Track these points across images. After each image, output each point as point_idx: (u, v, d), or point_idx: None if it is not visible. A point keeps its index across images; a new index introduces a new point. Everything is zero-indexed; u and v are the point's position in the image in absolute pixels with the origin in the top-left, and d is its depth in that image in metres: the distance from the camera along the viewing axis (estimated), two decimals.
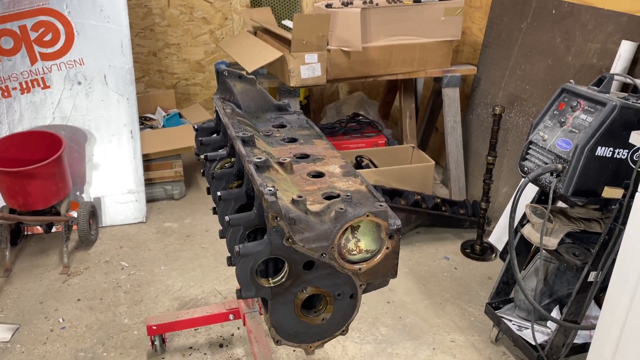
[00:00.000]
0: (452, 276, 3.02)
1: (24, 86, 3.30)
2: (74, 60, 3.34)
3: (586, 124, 1.99)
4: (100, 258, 3.15)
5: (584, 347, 2.31)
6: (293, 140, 1.70)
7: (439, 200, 3.36)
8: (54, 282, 2.92)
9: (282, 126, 1.82)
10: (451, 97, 3.69)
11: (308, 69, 3.18)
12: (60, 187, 3.03)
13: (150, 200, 3.72)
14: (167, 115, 3.97)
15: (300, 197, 1.23)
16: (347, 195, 1.29)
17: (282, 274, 1.24)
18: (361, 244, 1.27)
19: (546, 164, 2.09)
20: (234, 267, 1.21)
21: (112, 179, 3.49)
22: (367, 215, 1.22)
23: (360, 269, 1.27)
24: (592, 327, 2.14)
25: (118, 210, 3.51)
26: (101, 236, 3.38)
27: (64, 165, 3.05)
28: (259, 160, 1.36)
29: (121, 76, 3.41)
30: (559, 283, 2.40)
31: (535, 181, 2.11)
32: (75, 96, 3.37)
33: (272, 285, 1.23)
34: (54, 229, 3.25)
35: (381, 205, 1.25)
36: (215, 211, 1.61)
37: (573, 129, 2.03)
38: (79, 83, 3.37)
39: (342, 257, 1.26)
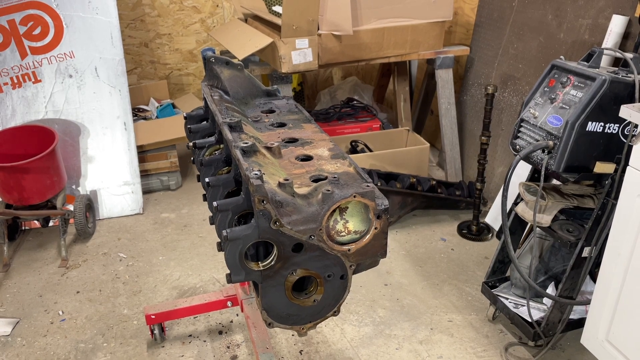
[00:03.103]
0: (449, 257, 3.03)
1: (15, 81, 3.29)
2: (64, 54, 3.33)
3: (576, 99, 1.98)
4: (98, 250, 3.16)
5: (580, 323, 2.32)
6: (282, 125, 1.70)
7: (434, 182, 3.36)
8: (52, 276, 2.94)
9: (271, 111, 1.82)
10: (444, 79, 3.67)
11: (299, 54, 3.16)
12: (55, 180, 3.04)
13: (146, 191, 3.73)
14: (161, 105, 3.96)
15: (287, 180, 1.23)
16: (335, 177, 1.29)
17: (271, 257, 1.24)
18: (349, 225, 1.27)
19: (537, 141, 2.09)
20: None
21: (108, 171, 3.49)
22: (354, 196, 1.23)
23: (349, 250, 1.28)
24: (587, 302, 2.15)
25: (114, 202, 3.51)
26: (98, 229, 3.39)
27: (58, 158, 3.05)
28: (245, 145, 1.36)
29: (112, 68, 3.40)
30: (554, 260, 2.41)
31: (527, 159, 2.11)
32: (67, 89, 3.36)
33: (262, 268, 1.23)
34: (51, 223, 3.26)
35: (368, 186, 1.25)
36: (205, 198, 1.61)
37: (563, 105, 2.02)
38: (70, 76, 3.35)
39: (330, 239, 1.26)
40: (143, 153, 3.66)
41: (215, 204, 1.29)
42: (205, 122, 1.83)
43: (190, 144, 1.65)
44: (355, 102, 4.19)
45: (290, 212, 1.21)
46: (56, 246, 3.19)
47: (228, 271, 1.21)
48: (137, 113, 3.90)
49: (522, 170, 3.06)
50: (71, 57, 3.34)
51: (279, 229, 1.19)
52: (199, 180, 1.72)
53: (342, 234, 1.27)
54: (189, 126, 1.76)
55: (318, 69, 3.31)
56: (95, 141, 3.45)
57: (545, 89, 2.14)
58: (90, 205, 3.32)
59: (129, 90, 3.46)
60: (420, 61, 4.43)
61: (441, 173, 3.97)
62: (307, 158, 1.47)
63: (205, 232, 3.31)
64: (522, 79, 3.31)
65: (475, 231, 3.22)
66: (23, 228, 3.32)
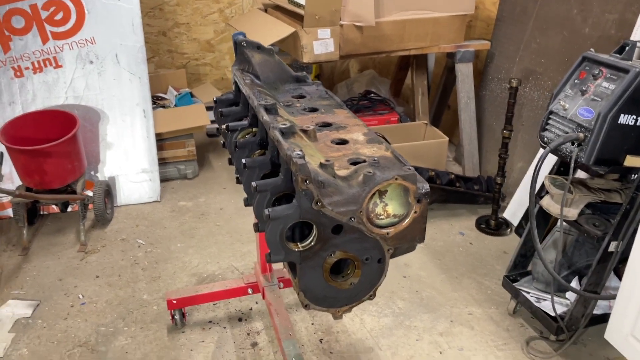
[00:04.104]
0: (468, 251, 3.02)
1: (36, 66, 3.29)
2: (86, 39, 3.33)
3: (608, 91, 1.96)
4: (116, 236, 3.17)
5: (604, 318, 2.30)
6: (314, 109, 1.69)
7: (453, 176, 3.35)
8: (72, 260, 2.95)
9: (302, 97, 1.81)
10: (464, 73, 3.65)
11: (321, 44, 3.15)
12: (76, 165, 3.04)
13: (163, 179, 3.73)
14: (179, 94, 3.96)
15: (328, 161, 1.22)
16: (375, 160, 1.28)
17: (311, 237, 1.24)
18: (389, 208, 1.27)
19: (567, 133, 2.07)
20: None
21: (126, 158, 3.49)
22: (396, 179, 1.22)
23: (388, 234, 1.27)
24: (612, 297, 2.13)
25: (132, 189, 3.52)
26: (116, 215, 3.40)
27: (79, 143, 3.06)
28: (284, 126, 1.35)
29: (133, 55, 3.40)
30: (578, 254, 2.40)
31: (555, 151, 2.10)
32: (87, 75, 3.37)
33: (301, 249, 1.23)
34: (69, 209, 3.27)
35: (409, 169, 1.24)
36: (238, 180, 1.61)
37: (595, 97, 2.00)
38: (91, 62, 3.36)
39: (370, 222, 1.26)
40: (161, 141, 3.66)
41: (254, 184, 1.28)
42: (236, 106, 1.82)
43: (223, 126, 1.65)
44: (372, 95, 4.18)
45: (331, 192, 1.20)
46: (74, 231, 3.20)
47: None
48: (156, 101, 3.91)
49: (545, 163, 3.04)
50: (92, 43, 3.34)
51: (320, 210, 1.19)
52: (230, 164, 1.71)
53: (381, 217, 1.27)
54: (220, 109, 1.76)
55: (336, 61, 3.30)
56: (115, 128, 3.45)
57: (576, 81, 2.12)
58: (109, 191, 3.33)
59: (148, 77, 3.46)
60: (438, 55, 4.41)
61: (458, 168, 3.95)
62: (343, 142, 1.46)
63: (223, 221, 3.31)
64: (544, 74, 3.28)
65: (493, 226, 3.20)
66: (42, 212, 3.33)
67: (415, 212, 1.27)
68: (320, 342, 2.37)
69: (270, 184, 1.30)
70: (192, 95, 4.07)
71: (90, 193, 3.23)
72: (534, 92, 3.34)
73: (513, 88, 2.89)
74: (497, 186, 3.13)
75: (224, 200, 3.57)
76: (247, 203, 1.48)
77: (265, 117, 1.44)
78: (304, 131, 1.44)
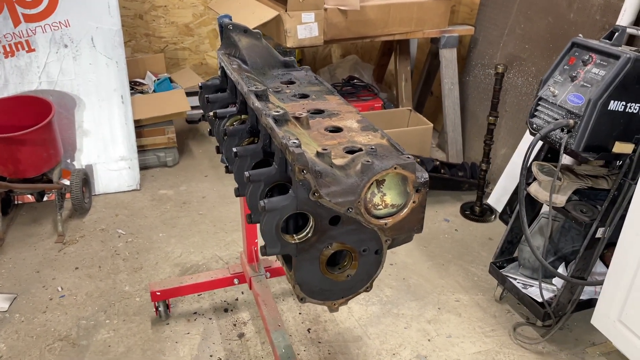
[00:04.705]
0: (453, 238, 3.02)
1: (8, 49, 3.15)
2: (59, 22, 3.19)
3: (599, 77, 1.95)
4: (95, 226, 3.08)
5: (589, 303, 2.33)
6: (304, 96, 1.64)
7: (437, 162, 3.34)
8: (49, 251, 2.85)
9: (291, 82, 1.75)
10: (448, 59, 3.63)
11: (305, 28, 3.09)
12: (52, 153, 2.94)
13: (143, 167, 3.64)
14: (158, 79, 3.85)
15: (325, 149, 1.18)
16: (372, 148, 1.24)
17: (308, 229, 1.19)
18: (387, 198, 1.23)
19: (556, 119, 2.06)
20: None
21: (104, 145, 3.39)
22: (395, 168, 1.18)
23: (386, 224, 1.24)
24: (600, 283, 2.15)
25: (111, 177, 3.42)
26: (95, 204, 3.30)
27: (55, 131, 2.95)
28: (277, 113, 1.30)
29: (109, 38, 3.28)
30: (564, 241, 2.41)
31: (543, 138, 2.09)
32: (62, 60, 3.24)
33: (298, 241, 1.19)
34: (45, 198, 3.16)
35: (408, 158, 1.21)
36: (228, 170, 1.55)
37: (585, 84, 1.99)
38: (66, 46, 3.23)
39: (368, 212, 1.22)
40: (140, 128, 3.57)
41: (247, 174, 1.23)
42: (222, 92, 1.76)
43: (211, 114, 1.58)
44: (356, 80, 4.13)
45: (329, 182, 1.16)
46: (51, 221, 3.10)
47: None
48: (134, 86, 3.79)
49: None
50: (66, 26, 3.21)
51: (317, 200, 1.14)
52: (218, 152, 1.66)
53: (379, 207, 1.23)
54: (206, 96, 1.69)
55: (318, 47, 3.23)
56: (92, 114, 3.34)
57: (565, 66, 2.11)
58: (86, 180, 3.23)
59: (126, 62, 3.35)
60: (420, 41, 4.38)
61: (441, 154, 3.95)
62: (337, 129, 1.42)
63: (205, 210, 3.25)
64: (529, 59, 3.28)
65: (478, 212, 3.21)
66: (16, 202, 3.22)
67: (413, 202, 1.23)
68: (308, 331, 2.34)
69: (264, 173, 1.25)
70: (171, 80, 3.96)
71: (67, 182, 3.13)
72: (518, 78, 3.34)
73: (499, 74, 2.88)
74: (482, 173, 3.13)
75: (206, 188, 3.50)
76: (238, 193, 1.43)
77: (256, 103, 1.38)
78: (297, 118, 1.39)
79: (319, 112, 1.53)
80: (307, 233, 1.19)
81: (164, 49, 4.49)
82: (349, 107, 1.57)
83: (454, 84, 3.66)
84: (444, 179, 3.32)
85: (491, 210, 3.25)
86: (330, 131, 1.42)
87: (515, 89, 3.36)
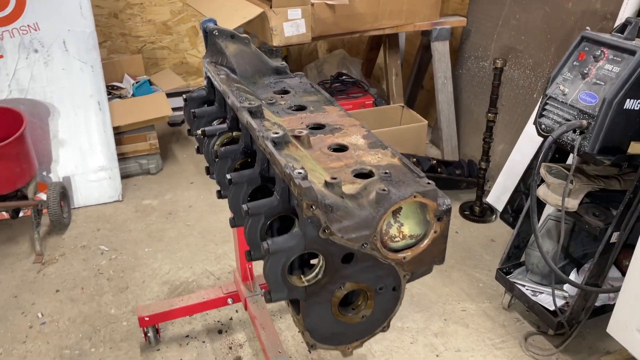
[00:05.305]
0: (454, 240, 2.90)
1: None
2: (28, 26, 2.98)
3: (612, 74, 1.82)
4: (76, 243, 2.90)
5: (603, 309, 2.23)
6: (301, 108, 1.49)
7: (434, 162, 3.21)
8: (27, 273, 2.67)
9: (285, 92, 1.60)
10: (441, 52, 3.48)
11: (291, 25, 2.92)
12: (25, 168, 2.74)
13: (124, 176, 3.45)
14: (137, 83, 3.65)
15: (335, 178, 1.03)
16: (386, 173, 1.10)
17: (317, 270, 1.05)
18: (404, 228, 1.09)
19: (567, 120, 1.93)
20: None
21: (82, 155, 3.19)
22: (415, 196, 1.04)
23: (404, 258, 1.09)
24: (616, 290, 2.04)
25: (91, 189, 3.23)
26: (75, 219, 3.11)
27: (28, 143, 2.75)
28: (276, 135, 1.14)
29: (83, 41, 3.07)
30: (574, 244, 2.30)
31: (556, 140, 1.96)
32: (32, 66, 3.03)
33: (307, 284, 1.04)
34: (21, 214, 2.96)
35: (429, 184, 1.06)
36: (220, 195, 1.40)
37: (598, 81, 1.86)
38: (36, 51, 3.02)
39: (384, 246, 1.07)
40: (119, 135, 3.38)
41: (245, 207, 1.08)
42: (211, 105, 1.59)
43: (198, 132, 1.42)
44: (345, 77, 3.97)
45: (340, 217, 1.01)
46: (28, 239, 2.91)
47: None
48: (112, 91, 3.59)
49: (527, 148, 2.93)
50: (36, 30, 3.00)
51: (328, 238, 1.00)
52: (208, 173, 1.49)
53: (396, 239, 1.09)
54: (192, 110, 1.53)
55: (310, 42, 3.07)
56: (67, 123, 3.14)
57: (575, 63, 1.98)
58: (64, 193, 3.04)
59: (101, 65, 3.15)
60: (410, 33, 4.23)
61: (435, 151, 3.82)
62: (342, 148, 1.27)
63: (193, 220, 3.08)
64: (525, 51, 3.15)
65: (478, 212, 3.09)
66: None
67: (435, 232, 1.09)
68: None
69: (264, 205, 1.10)
70: (150, 83, 3.77)
71: (43, 196, 2.94)
72: (514, 71, 3.21)
73: (497, 69, 2.75)
74: (482, 171, 3.00)
75: (192, 196, 3.33)
76: (233, 224, 1.28)
77: (251, 122, 1.23)
78: (296, 137, 1.24)
79: (319, 127, 1.38)
80: (317, 274, 1.04)
81: (142, 48, 4.28)
82: (352, 120, 1.42)
83: (447, 78, 3.52)
84: (442, 179, 3.19)
85: (491, 209, 3.13)
86: (335, 150, 1.27)
87: (512, 82, 3.23)
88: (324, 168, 1.17)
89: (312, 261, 1.10)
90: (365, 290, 1.10)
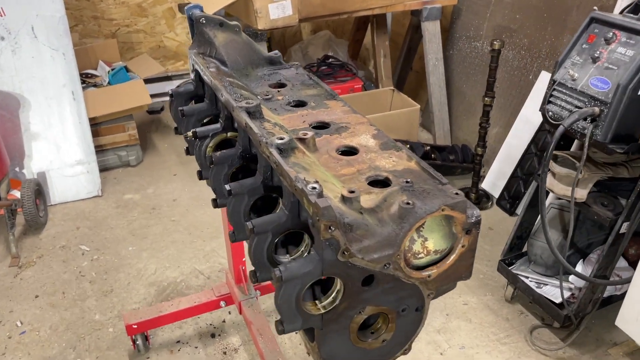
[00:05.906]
0: None
1: None
2: None
3: (626, 58, 1.72)
4: (54, 243, 2.73)
5: (609, 300, 2.17)
6: (301, 104, 1.35)
7: (428, 147, 3.10)
8: (3, 278, 2.51)
9: (281, 85, 1.46)
10: (432, 32, 3.35)
11: (277, 7, 2.75)
12: None
13: (103, 169, 3.28)
14: (112, 70, 3.45)
15: (353, 192, 0.91)
16: (407, 182, 0.98)
17: (334, 294, 0.93)
18: (429, 243, 0.97)
19: (577, 107, 1.83)
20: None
21: (57, 149, 3.01)
22: (443, 210, 0.92)
23: (429, 276, 0.98)
24: (625, 282, 1.98)
25: (68, 184, 3.06)
26: (52, 217, 2.94)
27: None
28: (281, 141, 1.01)
29: (53, 27, 2.87)
30: (578, 234, 2.22)
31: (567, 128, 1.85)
32: None
33: (323, 311, 0.92)
34: None
35: (457, 194, 0.95)
36: (216, 203, 1.26)
37: (610, 65, 1.76)
38: (2, 38, 2.81)
39: (407, 264, 0.96)
40: (96, 126, 3.20)
41: (250, 225, 0.95)
42: (200, 101, 1.45)
43: (189, 133, 1.28)
44: (331, 59, 3.81)
45: (360, 236, 0.89)
46: (3, 241, 2.74)
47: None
48: (86, 79, 3.39)
49: (524, 133, 2.84)
50: (1, 15, 2.78)
51: (347, 260, 0.88)
52: (201, 178, 1.35)
53: (419, 255, 0.97)
54: (180, 108, 1.38)
55: (297, 24, 2.91)
56: (39, 115, 2.95)
57: (584, 46, 1.87)
58: (39, 190, 2.86)
59: (74, 52, 2.95)
60: (397, 13, 4.08)
61: (426, 135, 3.72)
62: (351, 151, 1.14)
63: (178, 215, 2.94)
64: (520, 31, 3.03)
65: (474, 199, 3.00)
66: None
67: (462, 246, 0.98)
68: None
69: (272, 222, 0.97)
70: (127, 69, 3.57)
71: (17, 194, 2.76)
72: (509, 51, 3.10)
73: (495, 50, 2.63)
74: (478, 157, 2.91)
75: (176, 189, 3.18)
76: (234, 238, 1.14)
77: (251, 125, 1.09)
78: (301, 139, 1.11)
79: (323, 125, 1.25)
80: (335, 299, 0.93)
81: (116, 32, 4.05)
82: (358, 117, 1.29)
83: (439, 59, 3.39)
84: (436, 166, 3.09)
85: (487, 195, 3.05)
86: (343, 153, 1.14)
87: (506, 63, 3.12)
88: (335, 175, 1.04)
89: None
90: (387, 313, 0.99)
